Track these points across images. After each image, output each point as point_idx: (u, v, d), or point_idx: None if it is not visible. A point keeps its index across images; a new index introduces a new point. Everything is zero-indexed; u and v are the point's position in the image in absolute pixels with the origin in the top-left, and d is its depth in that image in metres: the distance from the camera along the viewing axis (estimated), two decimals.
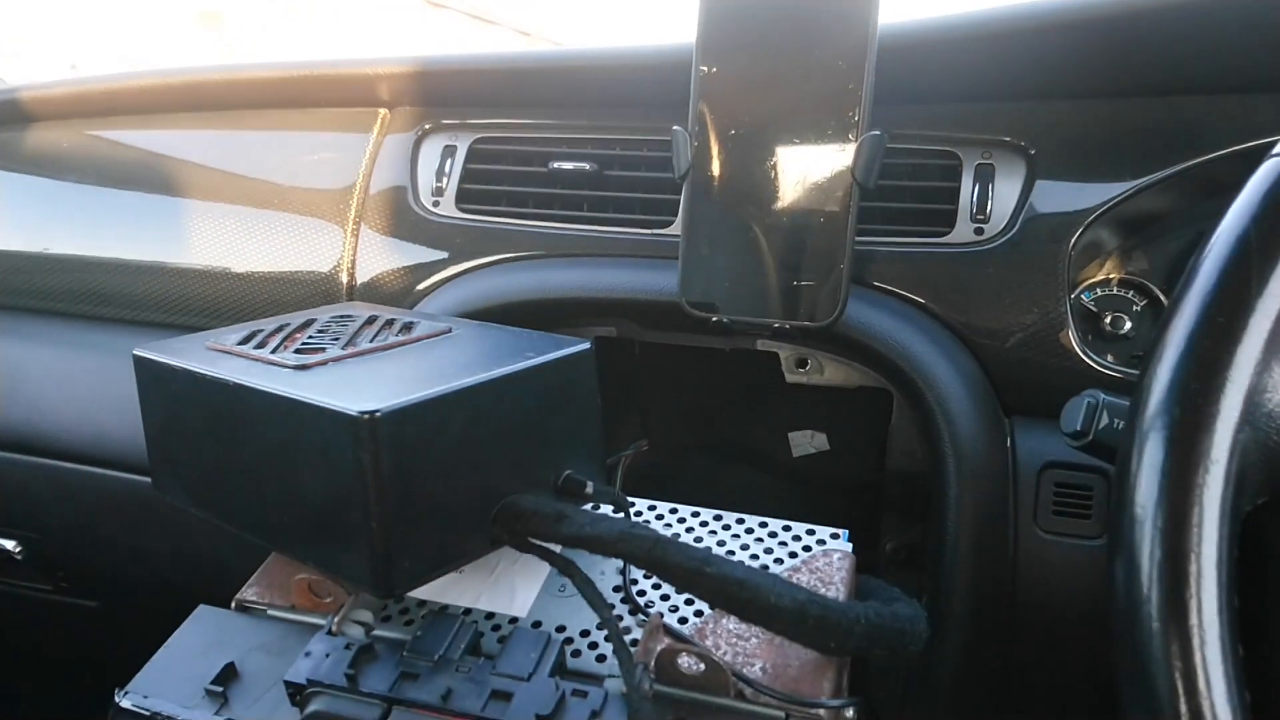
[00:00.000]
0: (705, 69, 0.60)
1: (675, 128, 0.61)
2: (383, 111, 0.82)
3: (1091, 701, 0.56)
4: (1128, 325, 0.61)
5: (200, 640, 0.49)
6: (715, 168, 0.61)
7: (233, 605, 0.51)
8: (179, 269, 0.83)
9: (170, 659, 0.48)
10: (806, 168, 0.59)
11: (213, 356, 0.50)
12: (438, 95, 0.80)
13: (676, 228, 0.69)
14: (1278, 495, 0.35)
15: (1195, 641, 0.32)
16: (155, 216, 0.84)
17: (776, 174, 0.60)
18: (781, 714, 0.42)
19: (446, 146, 0.78)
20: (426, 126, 0.80)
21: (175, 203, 0.84)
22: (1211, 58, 0.62)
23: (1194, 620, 0.32)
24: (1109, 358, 0.61)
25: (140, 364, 0.52)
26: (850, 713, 0.43)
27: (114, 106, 0.90)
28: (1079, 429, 0.45)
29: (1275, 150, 0.36)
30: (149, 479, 0.55)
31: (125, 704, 0.45)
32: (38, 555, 0.93)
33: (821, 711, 0.42)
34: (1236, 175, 0.37)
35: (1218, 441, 0.33)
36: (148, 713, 0.45)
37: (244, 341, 0.53)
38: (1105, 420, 0.44)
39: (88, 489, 0.84)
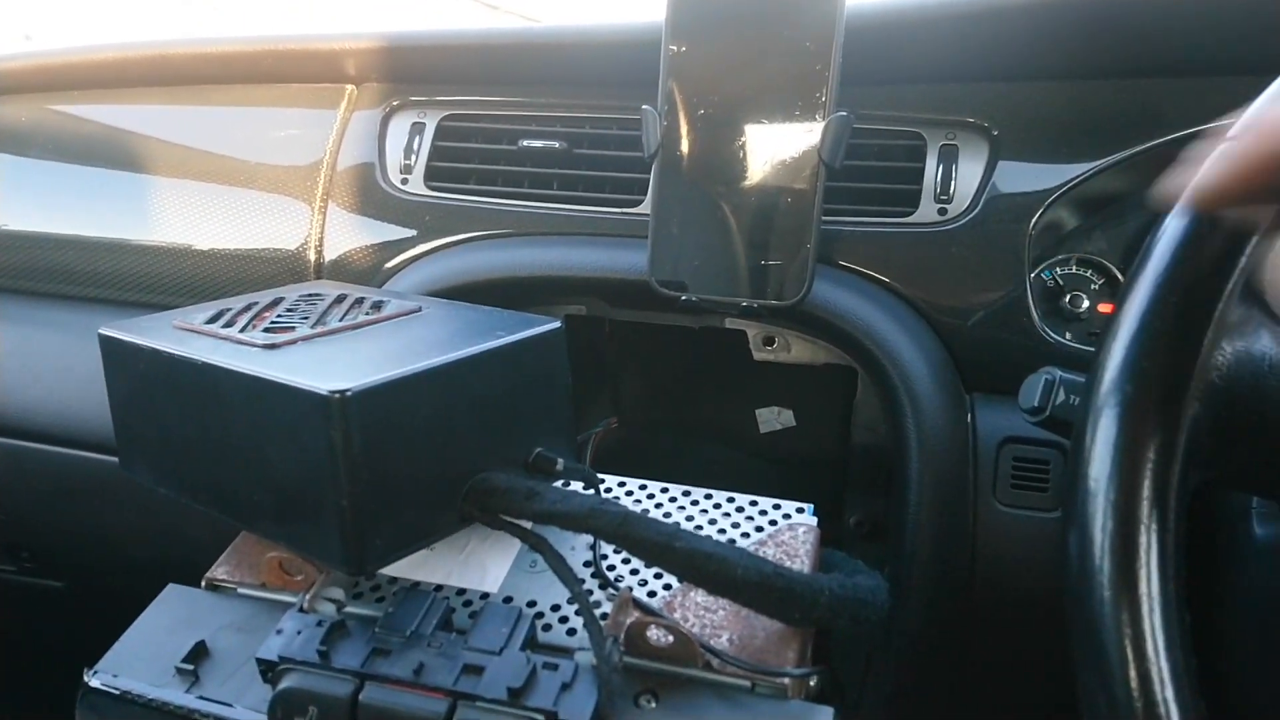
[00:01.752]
0: (675, 48, 0.61)
1: (645, 107, 0.61)
2: (350, 87, 0.82)
3: (1047, 668, 0.58)
4: (1086, 304, 0.63)
5: (170, 619, 0.49)
6: (684, 147, 0.61)
7: (202, 584, 0.51)
8: (142, 246, 0.82)
9: (140, 638, 0.48)
10: (774, 148, 0.60)
11: (180, 336, 0.50)
12: (406, 71, 0.80)
13: (646, 207, 0.69)
14: (1226, 469, 0.36)
15: (1144, 609, 0.33)
16: (118, 193, 0.83)
17: (745, 154, 0.60)
18: (748, 683, 0.43)
19: (415, 123, 0.78)
20: (395, 103, 0.79)
21: (138, 179, 0.83)
22: (1172, 40, 0.63)
23: (1143, 589, 0.33)
24: (1068, 335, 0.63)
25: (106, 343, 0.52)
26: (814, 681, 0.44)
27: (74, 80, 0.89)
28: (1036, 405, 0.46)
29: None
30: (115, 458, 0.55)
31: (95, 683, 0.45)
32: (1, 536, 0.92)
33: (787, 680, 0.43)
34: None
35: (1168, 418, 0.34)
36: (118, 692, 0.45)
37: (212, 320, 0.52)
38: (1062, 396, 0.45)
39: (51, 468, 0.83)
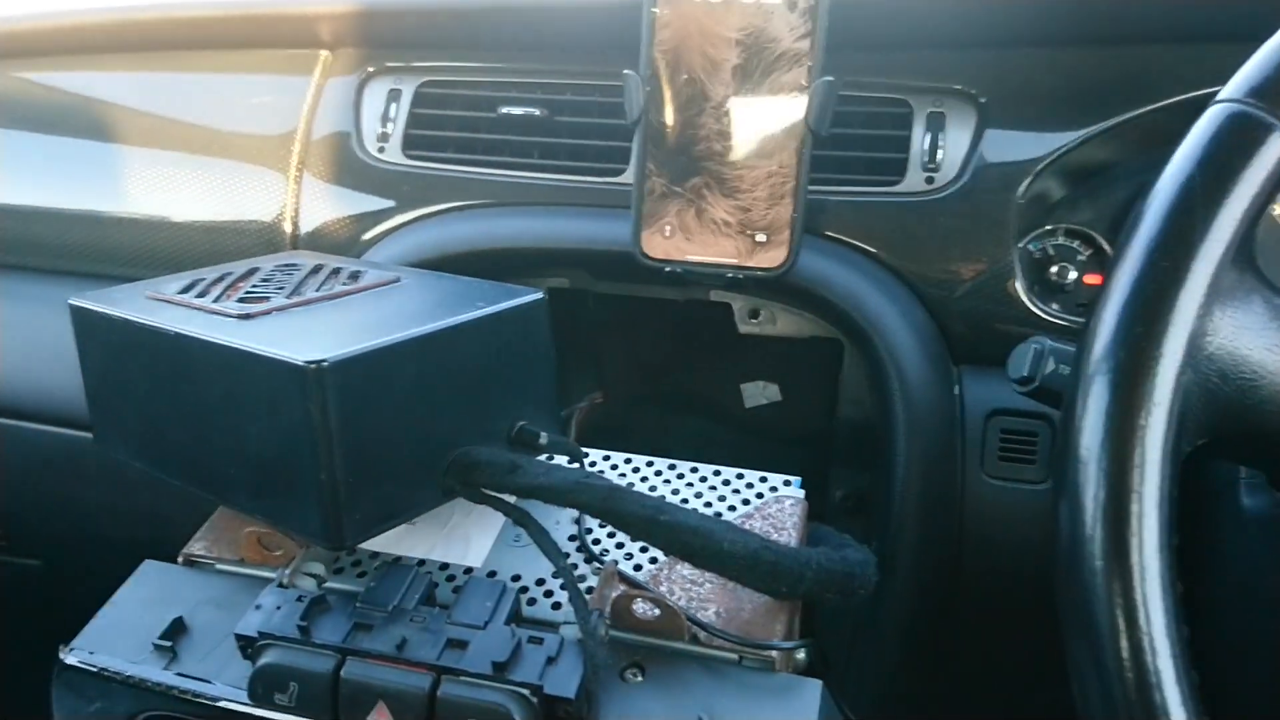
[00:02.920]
0: (657, 11, 0.59)
1: (627, 72, 0.60)
2: (324, 53, 0.80)
3: (1036, 639, 0.58)
4: (1073, 275, 0.62)
5: (147, 595, 0.48)
6: (668, 114, 0.60)
7: (180, 560, 0.50)
8: (113, 218, 0.80)
9: (116, 615, 0.47)
10: (760, 114, 0.58)
11: (154, 306, 0.49)
12: (381, 36, 0.78)
13: (629, 176, 0.68)
14: (1217, 437, 0.36)
15: (1136, 578, 0.32)
16: (86, 163, 0.81)
17: (729, 121, 0.59)
18: (735, 656, 0.43)
19: (391, 90, 0.76)
20: (370, 69, 0.77)
21: (107, 148, 0.81)
22: (1160, 7, 0.62)
23: (1135, 558, 0.33)
24: (1054, 306, 0.62)
25: (78, 315, 0.51)
26: (801, 655, 0.44)
27: (40, 46, 0.86)
28: (1025, 374, 0.45)
29: (1219, 95, 0.36)
30: (88, 433, 0.54)
31: (71, 660, 0.44)
32: None
33: (774, 654, 0.43)
34: (1181, 125, 0.37)
35: (1160, 385, 0.33)
36: (94, 669, 0.44)
37: (185, 290, 0.51)
38: (1051, 366, 0.45)
39: (23, 444, 0.81)
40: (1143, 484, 0.33)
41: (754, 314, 0.70)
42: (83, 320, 0.51)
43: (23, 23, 0.85)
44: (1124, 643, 0.32)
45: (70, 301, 0.51)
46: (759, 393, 0.83)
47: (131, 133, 0.81)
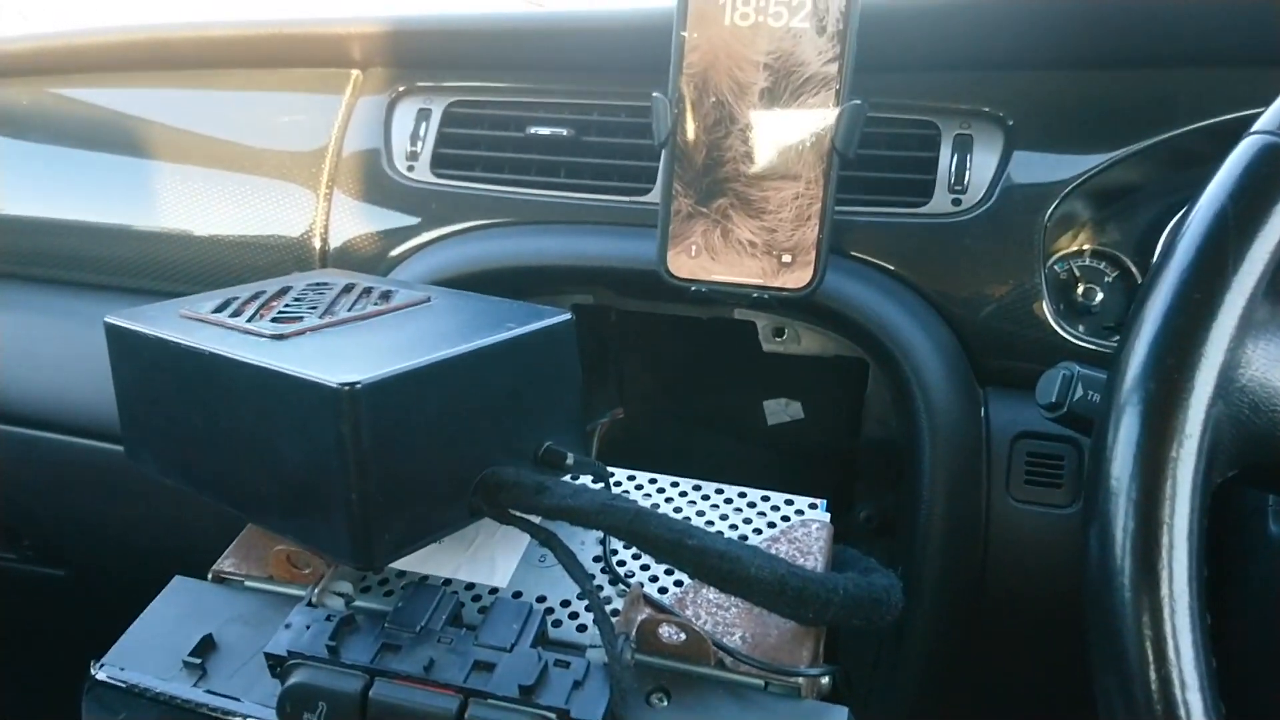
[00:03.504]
0: (686, 34, 0.60)
1: (655, 94, 0.60)
2: (355, 73, 0.81)
3: (1060, 665, 0.58)
4: (1099, 297, 0.62)
5: (177, 611, 0.48)
6: (695, 136, 0.60)
7: (209, 576, 0.51)
8: (146, 233, 0.81)
9: (147, 630, 0.47)
10: (787, 136, 0.59)
11: (187, 325, 0.49)
12: (412, 57, 0.79)
13: (655, 195, 0.68)
14: (1248, 468, 0.36)
15: (1165, 610, 0.32)
16: (120, 178, 0.82)
17: (757, 142, 0.59)
18: (761, 682, 0.43)
19: (421, 110, 0.77)
20: (400, 89, 0.78)
21: (141, 164, 0.82)
22: (1189, 30, 0.62)
23: (1165, 590, 0.32)
24: (1080, 329, 0.62)
25: (112, 332, 0.51)
26: (827, 680, 0.44)
27: (76, 63, 0.88)
28: (1054, 401, 0.45)
29: (1254, 127, 0.36)
30: (119, 447, 0.54)
31: (101, 676, 0.45)
32: (1, 522, 0.91)
33: (800, 680, 0.42)
34: (1210, 149, 0.37)
35: (1192, 416, 0.33)
36: (124, 685, 0.44)
37: (219, 309, 0.52)
38: (1080, 392, 0.45)
39: (55, 456, 0.82)
40: (1173, 516, 0.33)
41: (778, 333, 0.70)
42: (117, 337, 0.52)
43: (59, 39, 0.87)
44: (1153, 675, 0.32)
45: (105, 319, 0.52)
46: (781, 410, 0.83)
47: (165, 149, 0.82)
